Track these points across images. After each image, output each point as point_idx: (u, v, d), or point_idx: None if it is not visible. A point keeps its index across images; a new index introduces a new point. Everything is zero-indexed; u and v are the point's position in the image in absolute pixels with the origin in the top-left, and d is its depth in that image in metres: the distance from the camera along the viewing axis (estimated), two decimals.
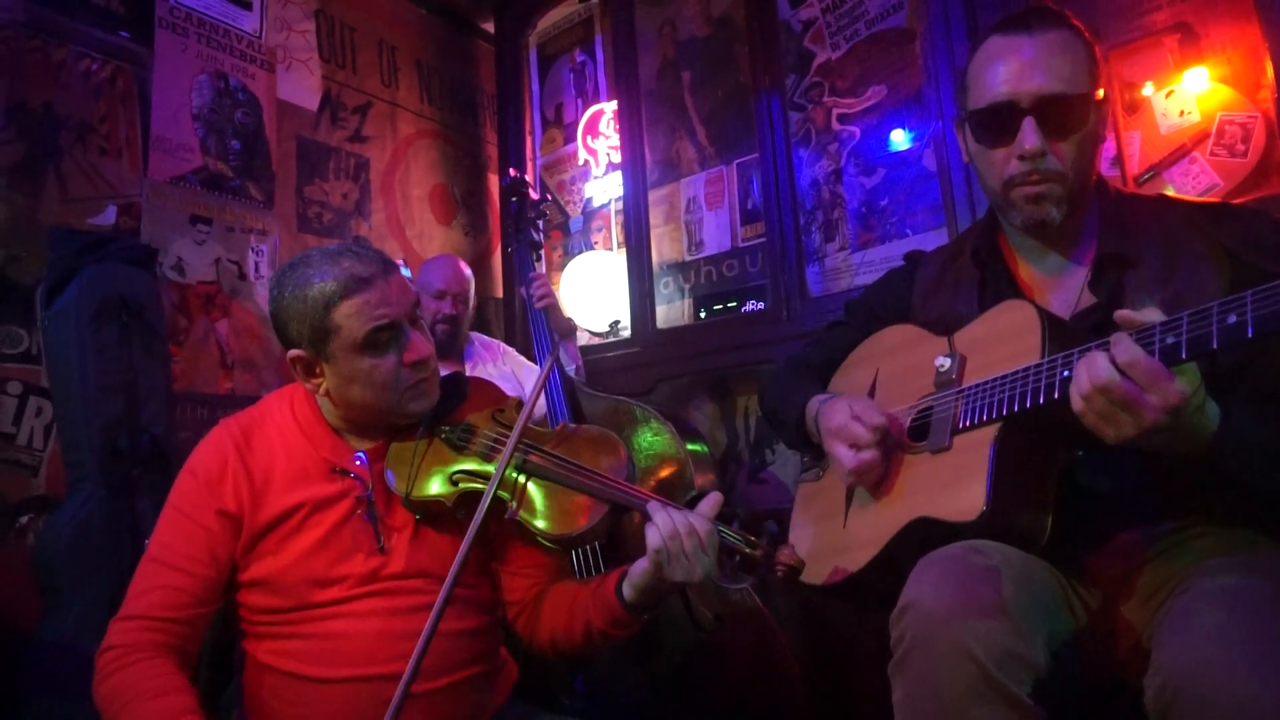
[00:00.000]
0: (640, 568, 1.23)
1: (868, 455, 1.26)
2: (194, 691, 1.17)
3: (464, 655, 1.28)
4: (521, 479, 1.29)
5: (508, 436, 1.29)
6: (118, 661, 1.17)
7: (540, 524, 1.26)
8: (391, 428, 1.36)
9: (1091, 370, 0.97)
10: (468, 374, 2.63)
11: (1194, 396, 0.95)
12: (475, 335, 2.88)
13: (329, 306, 1.22)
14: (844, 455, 1.29)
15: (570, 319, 2.77)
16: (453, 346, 2.72)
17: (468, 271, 2.78)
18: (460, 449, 1.33)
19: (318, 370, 1.29)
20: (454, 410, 1.39)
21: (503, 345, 2.93)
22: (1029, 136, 1.22)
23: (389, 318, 1.24)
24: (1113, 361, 0.95)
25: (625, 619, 1.26)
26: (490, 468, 1.29)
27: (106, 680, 1.17)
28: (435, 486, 1.29)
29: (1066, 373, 1.05)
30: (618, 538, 2.03)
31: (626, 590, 1.25)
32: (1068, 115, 1.22)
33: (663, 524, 1.18)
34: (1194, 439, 0.99)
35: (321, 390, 1.31)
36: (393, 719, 1.06)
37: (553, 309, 2.49)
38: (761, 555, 1.19)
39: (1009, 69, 1.24)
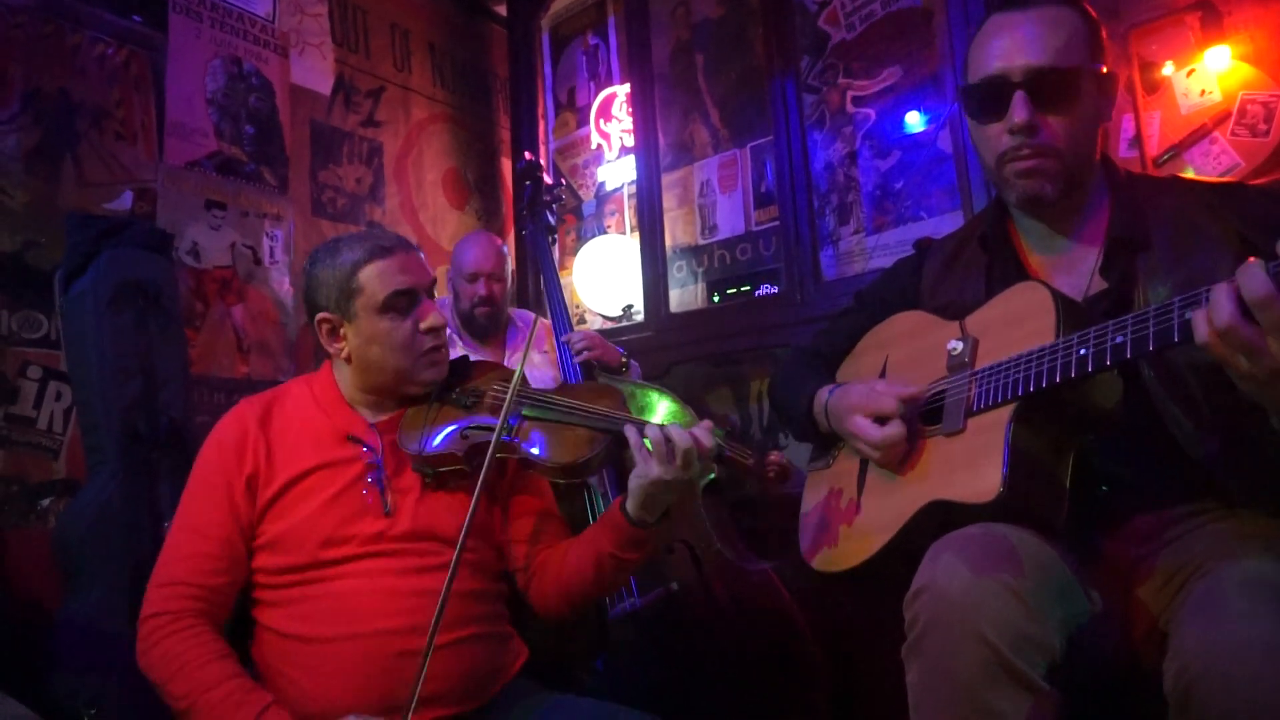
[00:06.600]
0: (633, 474, 1.33)
1: (895, 429, 1.25)
2: (235, 656, 1.25)
3: (467, 615, 1.33)
4: (527, 425, 1.41)
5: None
6: (164, 629, 1.24)
7: (548, 458, 1.38)
8: (404, 399, 1.46)
9: (1254, 285, 0.85)
10: (508, 357, 2.48)
11: None
12: (516, 312, 2.65)
13: (356, 269, 1.38)
14: (868, 430, 1.27)
15: (621, 354, 2.40)
16: (494, 329, 2.51)
17: (500, 246, 2.57)
18: (469, 407, 1.45)
19: (341, 333, 1.42)
20: (462, 382, 1.50)
21: (543, 321, 2.60)
22: (1019, 110, 1.22)
23: (408, 283, 1.39)
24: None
25: (634, 535, 1.35)
26: (497, 418, 1.40)
27: (155, 647, 1.24)
28: (446, 441, 1.40)
29: (1085, 350, 1.04)
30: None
31: (629, 507, 1.35)
32: (1060, 89, 1.23)
33: (650, 429, 1.30)
34: None
35: (344, 354, 1.43)
36: (422, 668, 1.15)
37: (597, 361, 2.29)
38: (754, 464, 1.37)
39: (1003, 44, 1.26)
